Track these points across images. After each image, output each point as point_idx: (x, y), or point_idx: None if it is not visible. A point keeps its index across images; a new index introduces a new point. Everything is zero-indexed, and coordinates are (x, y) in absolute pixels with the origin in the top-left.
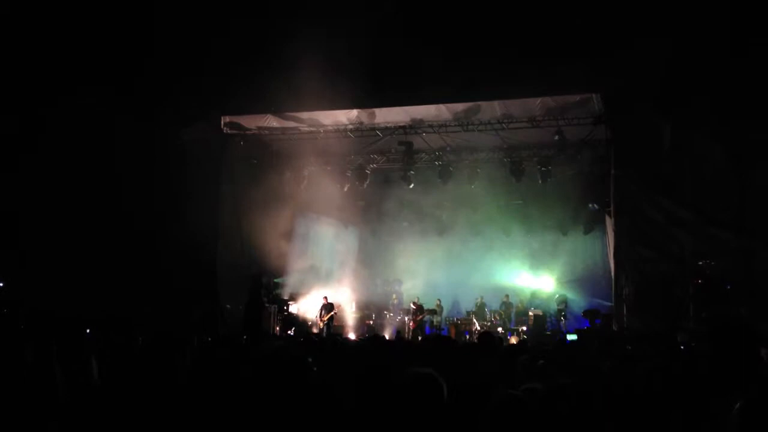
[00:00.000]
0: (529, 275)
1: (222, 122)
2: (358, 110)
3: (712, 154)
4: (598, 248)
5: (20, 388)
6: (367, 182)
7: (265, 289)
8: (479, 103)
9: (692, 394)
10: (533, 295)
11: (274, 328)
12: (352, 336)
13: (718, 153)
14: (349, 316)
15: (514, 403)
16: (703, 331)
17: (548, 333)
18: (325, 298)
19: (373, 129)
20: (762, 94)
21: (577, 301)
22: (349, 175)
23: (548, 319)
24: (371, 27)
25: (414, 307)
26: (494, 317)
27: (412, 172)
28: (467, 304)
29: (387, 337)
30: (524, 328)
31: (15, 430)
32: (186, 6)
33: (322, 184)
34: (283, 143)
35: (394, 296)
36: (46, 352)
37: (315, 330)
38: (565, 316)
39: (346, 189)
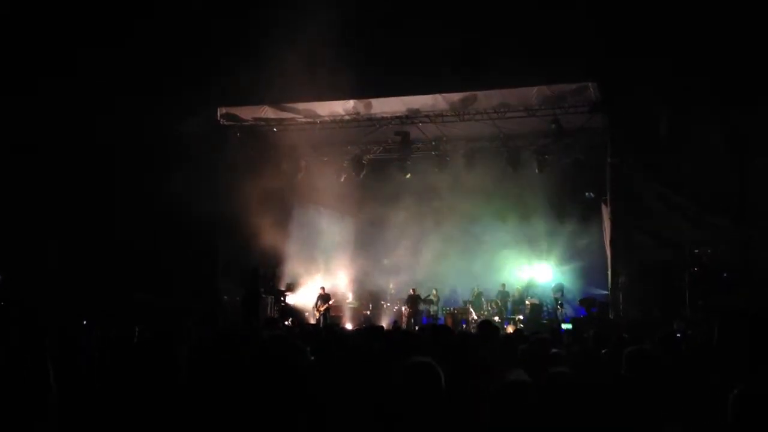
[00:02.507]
0: (526, 264)
1: (218, 114)
2: (355, 101)
3: (711, 142)
4: (594, 237)
5: (12, 385)
6: (364, 172)
7: (262, 280)
8: (475, 92)
9: (691, 379)
10: (530, 284)
11: (274, 318)
12: (349, 326)
13: (717, 140)
14: (346, 306)
15: (519, 388)
16: (700, 318)
17: (545, 322)
18: (322, 288)
19: (370, 119)
20: (760, 81)
21: (574, 289)
22: (345, 165)
23: (545, 308)
24: (367, 16)
25: (411, 295)
26: (491, 306)
27: (408, 162)
28: (464, 294)
29: (384, 327)
30: (521, 317)
31: (8, 428)
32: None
33: (319, 175)
34: (279, 134)
35: (391, 286)
36: (39, 348)
37: (312, 320)
38: (561, 305)
39: (342, 179)
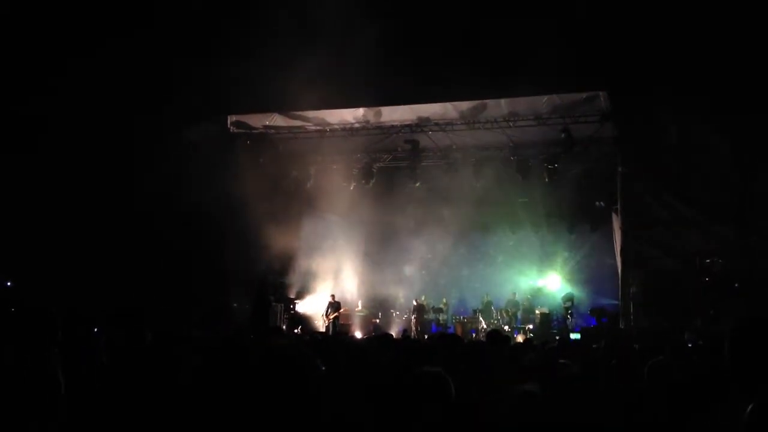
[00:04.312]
0: (536, 273)
1: (228, 121)
2: (365, 109)
3: (718, 151)
4: (604, 246)
5: (21, 389)
6: (374, 180)
7: (271, 288)
8: (485, 101)
9: (704, 392)
10: (540, 293)
11: (280, 327)
12: (358, 334)
13: (724, 150)
14: (355, 314)
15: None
16: (711, 328)
17: (554, 331)
18: (332, 296)
19: (380, 127)
20: (764, 91)
21: (584, 299)
22: (355, 173)
23: (554, 318)
24: (377, 24)
25: (415, 305)
26: (501, 315)
27: (418, 171)
28: (474, 302)
29: (393, 336)
30: (531, 327)
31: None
32: (192, 4)
33: (328, 183)
34: (289, 142)
35: (400, 294)
36: (48, 353)
37: (321, 328)
38: (571, 315)
39: (352, 187)
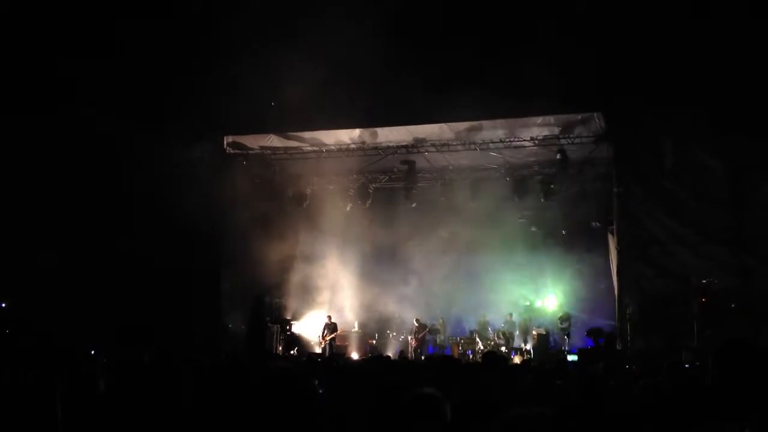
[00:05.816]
0: (532, 294)
1: (225, 142)
2: (361, 130)
3: (713, 171)
4: (601, 266)
5: (20, 412)
6: (370, 201)
7: (267, 309)
8: (481, 122)
9: (696, 413)
10: (536, 313)
11: (276, 348)
12: (354, 355)
13: (720, 169)
14: (352, 335)
15: (522, 421)
16: (707, 349)
17: (552, 352)
18: (329, 317)
19: (376, 148)
20: (761, 112)
21: (581, 319)
22: (351, 194)
23: (551, 338)
24: (373, 47)
25: (417, 326)
26: (497, 336)
27: (414, 191)
28: (470, 323)
29: (390, 357)
30: (528, 347)
31: None
32: (189, 26)
33: (324, 204)
34: (285, 163)
35: (397, 315)
36: (48, 376)
37: (317, 349)
38: (568, 335)
39: (348, 208)
